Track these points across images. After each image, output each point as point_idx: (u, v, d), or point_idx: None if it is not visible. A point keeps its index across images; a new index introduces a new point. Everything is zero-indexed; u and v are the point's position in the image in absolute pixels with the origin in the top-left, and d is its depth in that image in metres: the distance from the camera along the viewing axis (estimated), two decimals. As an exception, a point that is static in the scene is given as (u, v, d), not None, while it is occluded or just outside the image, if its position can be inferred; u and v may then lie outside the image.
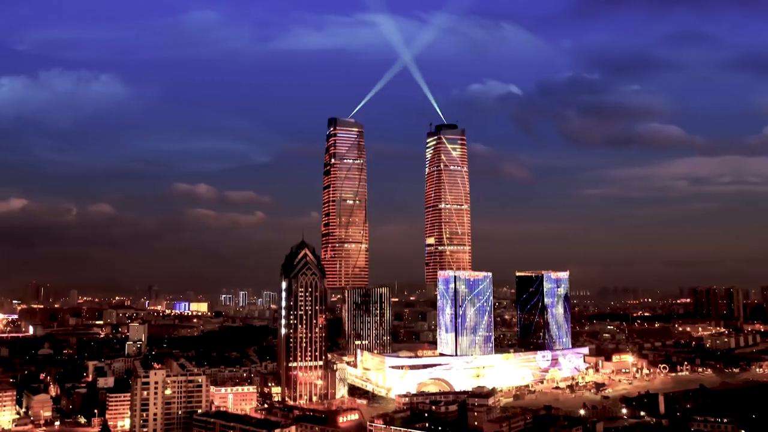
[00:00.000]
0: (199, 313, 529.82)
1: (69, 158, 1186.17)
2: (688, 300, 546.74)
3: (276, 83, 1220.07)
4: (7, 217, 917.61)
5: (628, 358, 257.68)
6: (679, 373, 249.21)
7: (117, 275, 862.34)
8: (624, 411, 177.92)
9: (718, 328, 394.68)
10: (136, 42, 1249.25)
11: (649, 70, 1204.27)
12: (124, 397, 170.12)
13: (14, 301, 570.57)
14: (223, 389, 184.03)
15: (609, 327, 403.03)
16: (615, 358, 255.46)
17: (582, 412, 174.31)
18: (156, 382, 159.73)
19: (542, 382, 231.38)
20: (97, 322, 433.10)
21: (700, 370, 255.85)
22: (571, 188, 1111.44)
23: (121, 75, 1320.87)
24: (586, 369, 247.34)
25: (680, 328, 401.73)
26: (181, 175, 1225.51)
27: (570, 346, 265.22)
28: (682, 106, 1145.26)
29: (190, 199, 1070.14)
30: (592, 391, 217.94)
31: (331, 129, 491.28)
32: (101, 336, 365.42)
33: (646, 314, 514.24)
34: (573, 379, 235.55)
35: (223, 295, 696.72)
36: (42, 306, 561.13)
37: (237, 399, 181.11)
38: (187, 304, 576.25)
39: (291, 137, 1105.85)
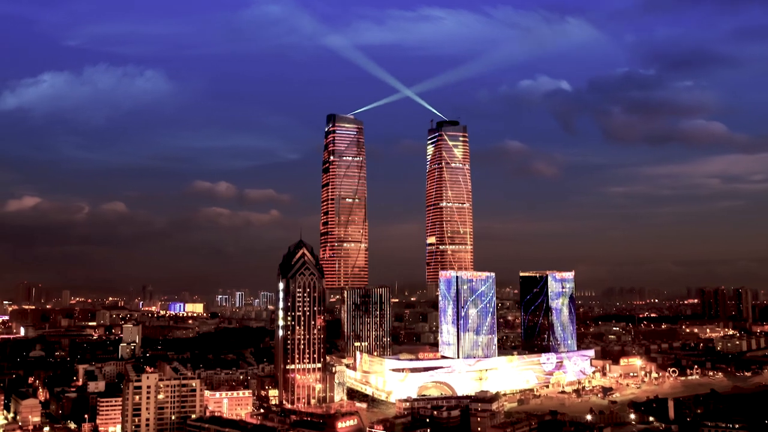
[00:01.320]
0: (195, 314, 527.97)
1: (94, 156, 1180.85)
2: (696, 301, 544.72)
3: (325, 78, 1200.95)
4: (15, 215, 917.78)
5: (636, 362, 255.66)
6: (689, 377, 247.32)
7: (115, 275, 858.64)
8: (632, 416, 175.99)
9: (726, 330, 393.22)
10: (193, 37, 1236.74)
11: (707, 66, 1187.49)
12: (115, 401, 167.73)
13: (5, 302, 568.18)
14: (218, 394, 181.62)
15: (614, 328, 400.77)
16: (623, 361, 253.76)
17: (589, 417, 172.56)
18: (148, 387, 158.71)
19: (548, 386, 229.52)
20: (90, 324, 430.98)
21: (711, 373, 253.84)
22: (600, 186, 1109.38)
23: (167, 71, 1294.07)
24: (593, 373, 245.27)
25: (687, 330, 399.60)
26: (204, 173, 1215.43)
27: (575, 349, 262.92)
28: (731, 103, 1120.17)
29: (208, 198, 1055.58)
30: (599, 395, 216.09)
31: (330, 126, 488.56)
32: (94, 338, 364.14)
33: (652, 315, 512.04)
34: (579, 383, 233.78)
35: (219, 296, 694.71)
36: (33, 307, 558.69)
37: (232, 404, 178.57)
38: (182, 304, 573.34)
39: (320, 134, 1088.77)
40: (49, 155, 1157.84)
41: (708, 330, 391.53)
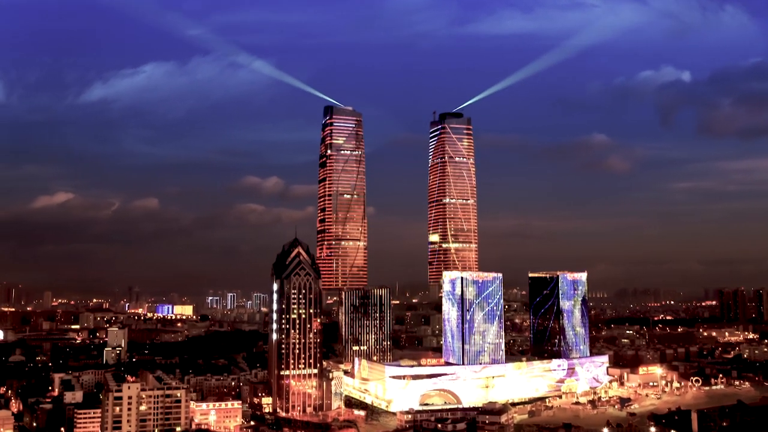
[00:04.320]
0: (184, 317, 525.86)
1: (155, 150, 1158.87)
2: (714, 302, 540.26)
3: (443, 69, 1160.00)
4: (37, 212, 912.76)
5: (657, 370, 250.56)
6: (714, 387, 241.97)
7: (112, 275, 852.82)
8: (652, 430, 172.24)
9: (746, 334, 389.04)
10: (324, 26, 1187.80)
11: None
12: (94, 413, 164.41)
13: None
14: (204, 405, 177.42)
15: (628, 332, 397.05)
16: (641, 370, 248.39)
17: (605, 430, 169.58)
18: (129, 397, 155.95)
19: (560, 396, 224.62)
20: (73, 327, 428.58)
21: (737, 383, 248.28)
22: (665, 181, 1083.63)
23: (279, 61, 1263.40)
24: (610, 382, 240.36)
25: (705, 333, 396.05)
26: (261, 167, 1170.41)
27: (588, 354, 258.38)
28: None
29: (252, 193, 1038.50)
30: (616, 406, 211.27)
31: (327, 118, 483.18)
32: (77, 341, 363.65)
33: (668, 318, 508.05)
34: (594, 392, 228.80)
35: (210, 297, 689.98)
36: (13, 309, 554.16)
37: (220, 415, 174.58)
38: (170, 306, 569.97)
39: (413, 128, 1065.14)
40: (107, 149, 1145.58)
41: (727, 333, 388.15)
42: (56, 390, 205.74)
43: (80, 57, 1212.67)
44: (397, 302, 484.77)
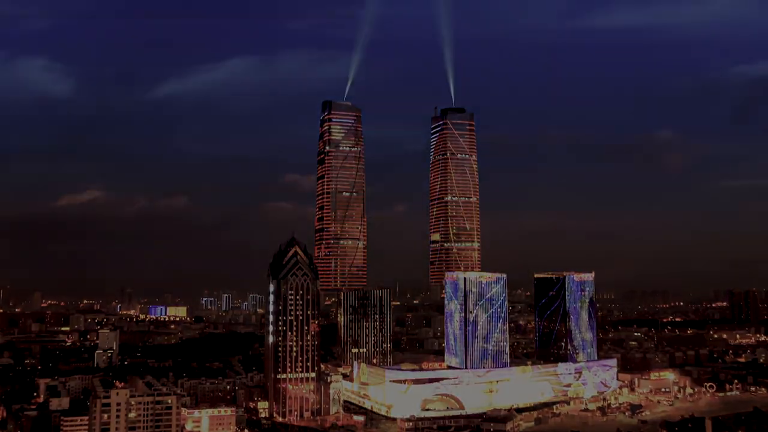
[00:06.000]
0: (177, 319, 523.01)
1: (205, 148, 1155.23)
2: (725, 304, 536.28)
3: (527, 67, 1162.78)
4: (59, 211, 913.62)
5: (669, 376, 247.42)
6: (729, 393, 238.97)
7: (107, 275, 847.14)
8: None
9: (758, 336, 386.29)
10: (433, 19, 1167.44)
11: None
12: (80, 420, 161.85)
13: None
14: (196, 412, 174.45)
15: (636, 334, 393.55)
16: (653, 375, 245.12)
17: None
18: (118, 404, 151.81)
19: (568, 403, 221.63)
20: (63, 329, 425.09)
21: (753, 389, 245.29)
22: (714, 179, 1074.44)
23: (372, 56, 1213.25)
24: (620, 388, 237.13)
25: (715, 335, 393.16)
26: (305, 165, 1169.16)
27: (596, 357, 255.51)
28: None
29: (287, 190, 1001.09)
30: (626, 413, 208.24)
31: (325, 114, 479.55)
32: (67, 344, 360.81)
33: (677, 319, 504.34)
34: (604, 399, 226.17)
35: (204, 299, 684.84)
36: (1, 310, 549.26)
37: (213, 422, 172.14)
38: (163, 308, 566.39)
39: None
40: (155, 147, 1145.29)
41: (738, 336, 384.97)
42: (42, 396, 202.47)
43: (167, 51, 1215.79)
44: (398, 303, 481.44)
